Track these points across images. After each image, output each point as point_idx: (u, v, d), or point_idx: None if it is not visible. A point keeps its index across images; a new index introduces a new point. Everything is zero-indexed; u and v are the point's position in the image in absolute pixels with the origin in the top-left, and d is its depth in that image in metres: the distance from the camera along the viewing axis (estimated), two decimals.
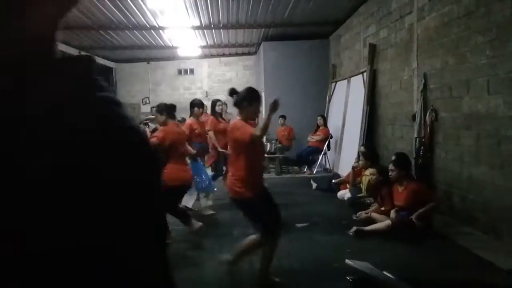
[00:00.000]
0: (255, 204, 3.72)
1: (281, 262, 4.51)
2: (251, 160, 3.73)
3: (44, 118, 0.48)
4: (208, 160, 7.15)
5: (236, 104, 3.90)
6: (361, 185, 6.55)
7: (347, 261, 4.03)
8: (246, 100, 3.82)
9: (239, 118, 3.85)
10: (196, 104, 6.66)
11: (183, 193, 5.39)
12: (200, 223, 5.20)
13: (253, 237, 3.85)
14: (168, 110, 5.29)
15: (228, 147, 4.07)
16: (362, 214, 5.72)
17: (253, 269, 4.07)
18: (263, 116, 6.68)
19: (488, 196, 4.92)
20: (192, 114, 6.68)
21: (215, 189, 6.67)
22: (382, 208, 5.60)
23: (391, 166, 5.38)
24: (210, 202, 6.63)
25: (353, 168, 7.07)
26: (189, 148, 5.88)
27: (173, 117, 5.33)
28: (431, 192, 5.71)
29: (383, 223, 5.20)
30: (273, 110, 3.71)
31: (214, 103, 7.26)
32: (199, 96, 15.31)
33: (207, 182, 6.39)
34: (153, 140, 5.13)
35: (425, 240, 4.88)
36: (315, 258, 4.57)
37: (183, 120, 12.38)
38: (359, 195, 6.50)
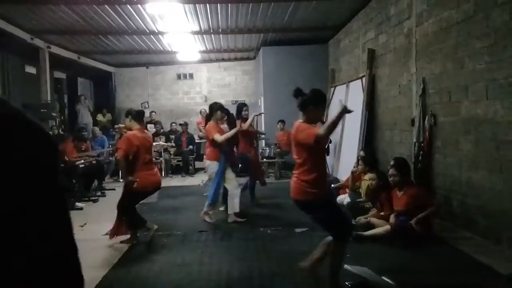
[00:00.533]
0: (325, 205, 3.72)
1: (280, 266, 4.50)
2: (317, 161, 3.73)
3: None
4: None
5: (301, 106, 3.85)
6: (361, 189, 6.54)
7: (346, 266, 4.02)
8: (313, 103, 3.79)
9: (301, 120, 3.81)
10: (220, 108, 6.55)
11: (148, 195, 5.73)
12: (155, 226, 5.49)
13: (327, 240, 3.80)
14: (135, 115, 5.44)
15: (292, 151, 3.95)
16: (362, 219, 5.71)
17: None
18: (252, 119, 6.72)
19: (487, 201, 4.92)
20: (212, 117, 6.51)
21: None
22: (382, 213, 5.59)
23: (391, 171, 5.37)
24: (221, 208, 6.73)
25: (352, 172, 7.06)
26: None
27: (139, 122, 5.47)
28: (430, 196, 5.71)
29: (382, 228, 5.19)
30: (345, 111, 3.62)
31: (240, 108, 7.46)
32: (198, 101, 15.36)
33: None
34: (119, 152, 5.33)
35: (424, 245, 4.87)
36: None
37: (186, 124, 12.45)
38: (358, 199, 6.49)
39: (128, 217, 5.34)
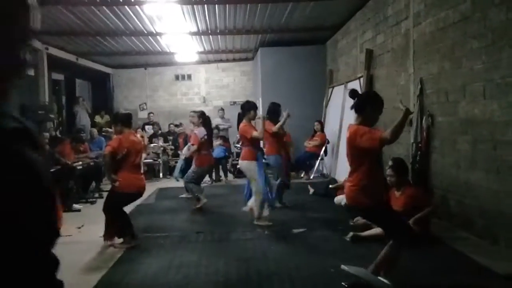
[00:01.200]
0: (382, 211, 3.63)
1: (278, 266, 4.49)
2: (374, 166, 3.61)
3: None
4: None
5: (357, 107, 3.72)
6: None
7: (342, 266, 4.01)
8: (372, 104, 3.68)
9: (357, 123, 3.68)
10: (252, 107, 6.46)
11: (133, 200, 5.72)
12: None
13: (390, 245, 3.69)
14: (125, 120, 5.48)
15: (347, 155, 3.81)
16: (359, 219, 5.70)
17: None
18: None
19: (485, 201, 4.92)
20: (245, 117, 6.42)
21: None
22: None
23: (389, 172, 5.36)
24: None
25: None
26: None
27: (128, 126, 5.51)
28: (428, 197, 5.71)
29: (379, 228, 5.18)
30: (408, 113, 3.61)
31: (276, 108, 7.24)
32: (196, 102, 15.35)
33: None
34: (107, 148, 5.44)
35: (421, 245, 4.86)
36: (312, 263, 4.55)
37: (180, 125, 12.45)
38: None
39: (116, 220, 5.33)
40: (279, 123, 6.83)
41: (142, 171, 5.72)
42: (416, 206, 5.07)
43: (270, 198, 6.38)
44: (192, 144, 7.30)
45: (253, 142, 6.24)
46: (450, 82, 5.58)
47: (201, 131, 7.28)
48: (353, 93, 3.80)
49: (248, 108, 6.41)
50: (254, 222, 6.16)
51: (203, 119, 7.53)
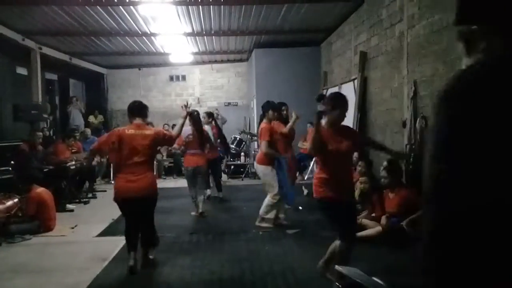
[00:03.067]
0: (330, 207, 3.88)
1: (272, 267, 4.50)
2: (326, 162, 3.88)
3: None
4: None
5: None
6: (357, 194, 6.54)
7: (336, 267, 4.02)
8: (335, 105, 3.87)
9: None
10: (271, 106, 6.36)
11: (131, 208, 4.54)
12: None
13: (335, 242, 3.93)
14: (129, 109, 4.74)
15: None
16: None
17: None
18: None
19: None
20: (265, 117, 6.33)
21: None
22: (373, 214, 5.61)
23: (383, 173, 5.40)
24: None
25: None
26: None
27: (134, 116, 4.67)
28: (421, 198, 5.74)
29: (373, 229, 5.22)
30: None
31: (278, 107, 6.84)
32: (190, 102, 15.30)
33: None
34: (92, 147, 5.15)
35: (416, 246, 4.89)
36: (306, 263, 4.57)
37: (174, 126, 12.42)
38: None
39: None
40: (289, 124, 6.52)
41: (146, 171, 4.56)
42: (410, 207, 5.10)
43: (290, 199, 6.35)
44: (177, 144, 7.15)
45: (270, 144, 6.08)
46: (444, 84, 5.61)
47: (185, 131, 7.17)
48: (320, 97, 4.23)
49: (267, 108, 6.34)
50: (256, 223, 6.15)
51: (192, 118, 7.19)
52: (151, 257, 4.71)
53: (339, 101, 3.89)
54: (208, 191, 8.41)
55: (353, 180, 4.59)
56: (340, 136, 3.81)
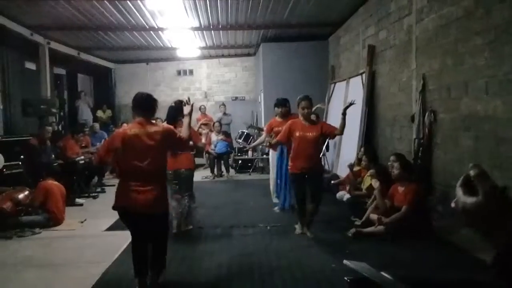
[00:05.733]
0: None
1: (280, 261, 4.51)
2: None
3: None
4: None
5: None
6: (362, 185, 6.53)
7: (344, 261, 4.02)
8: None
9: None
10: (276, 104, 6.78)
11: (136, 223, 3.72)
12: None
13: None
14: (133, 103, 3.92)
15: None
16: (359, 222, 5.68)
17: None
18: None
19: None
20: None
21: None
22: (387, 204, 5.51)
23: (395, 165, 5.35)
24: None
25: (350, 167, 7.05)
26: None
27: (139, 112, 3.87)
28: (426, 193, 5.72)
29: (377, 228, 5.21)
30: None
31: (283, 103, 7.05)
32: (198, 97, 15.33)
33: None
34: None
35: (423, 241, 4.89)
36: (313, 258, 4.57)
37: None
38: (358, 193, 6.50)
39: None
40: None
41: (156, 182, 3.69)
42: (418, 200, 5.09)
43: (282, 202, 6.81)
44: None
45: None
46: (453, 78, 5.57)
47: None
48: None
49: (275, 104, 6.75)
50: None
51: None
52: (160, 281, 3.92)
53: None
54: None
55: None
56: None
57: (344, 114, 5.37)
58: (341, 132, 5.57)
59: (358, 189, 6.72)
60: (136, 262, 3.75)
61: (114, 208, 3.74)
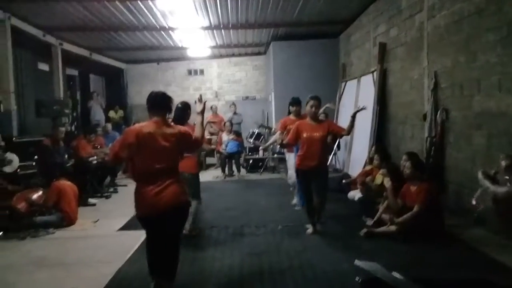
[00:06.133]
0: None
1: (291, 262, 4.51)
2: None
3: None
4: None
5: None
6: (374, 184, 6.48)
7: (356, 261, 4.01)
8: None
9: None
10: (290, 103, 6.81)
11: (156, 230, 3.48)
12: None
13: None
14: (148, 102, 3.67)
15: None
16: (371, 221, 5.64)
17: None
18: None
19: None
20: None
21: None
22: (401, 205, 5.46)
23: (407, 164, 5.30)
24: None
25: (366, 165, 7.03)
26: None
27: (154, 111, 3.61)
28: (440, 192, 5.67)
29: (389, 228, 5.17)
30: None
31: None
32: (208, 96, 15.37)
33: None
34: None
35: (435, 241, 4.84)
36: (325, 258, 4.56)
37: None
38: (370, 194, 6.45)
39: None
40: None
41: (172, 177, 3.50)
42: (431, 200, 5.04)
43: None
44: None
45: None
46: (465, 76, 5.52)
47: None
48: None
49: (290, 103, 6.83)
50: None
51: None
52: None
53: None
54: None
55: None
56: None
57: (353, 117, 5.48)
58: (348, 133, 5.74)
59: (370, 188, 6.66)
60: (153, 263, 3.55)
61: (138, 218, 3.53)
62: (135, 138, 3.37)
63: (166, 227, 3.45)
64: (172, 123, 3.85)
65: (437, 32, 6.18)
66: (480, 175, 4.60)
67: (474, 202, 4.65)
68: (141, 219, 3.50)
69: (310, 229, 5.56)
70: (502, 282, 3.83)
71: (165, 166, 3.45)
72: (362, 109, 5.54)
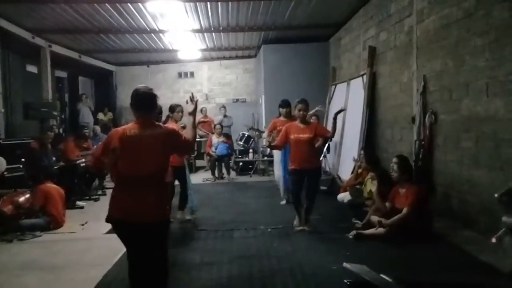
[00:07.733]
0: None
1: (280, 264, 4.50)
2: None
3: None
4: None
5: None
6: (364, 187, 6.51)
7: (344, 264, 4.02)
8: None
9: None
10: (280, 105, 7.09)
11: (131, 243, 3.10)
12: None
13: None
14: (131, 102, 3.30)
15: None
16: (360, 224, 5.65)
17: None
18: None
19: (488, 199, 4.90)
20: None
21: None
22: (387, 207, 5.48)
23: (395, 167, 5.34)
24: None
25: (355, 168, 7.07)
26: None
27: (138, 113, 3.23)
28: (429, 195, 5.70)
29: (377, 230, 5.19)
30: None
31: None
32: (199, 99, 15.27)
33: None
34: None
35: (423, 242, 4.87)
36: (314, 260, 4.56)
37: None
38: (356, 197, 6.48)
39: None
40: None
41: (155, 188, 3.11)
42: (420, 202, 5.07)
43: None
44: None
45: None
46: (453, 80, 5.57)
47: None
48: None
49: (280, 105, 7.10)
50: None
51: None
52: None
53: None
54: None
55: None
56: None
57: (335, 118, 5.69)
58: (332, 136, 5.90)
59: (360, 193, 6.68)
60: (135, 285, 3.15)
61: (108, 220, 3.11)
62: (118, 142, 3.05)
63: (140, 242, 3.03)
64: (160, 123, 3.62)
65: (426, 36, 6.23)
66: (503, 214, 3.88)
67: (493, 241, 4.03)
68: (110, 223, 3.12)
69: (296, 223, 5.81)
70: (490, 284, 3.86)
71: (151, 172, 3.07)
72: (341, 110, 5.73)
